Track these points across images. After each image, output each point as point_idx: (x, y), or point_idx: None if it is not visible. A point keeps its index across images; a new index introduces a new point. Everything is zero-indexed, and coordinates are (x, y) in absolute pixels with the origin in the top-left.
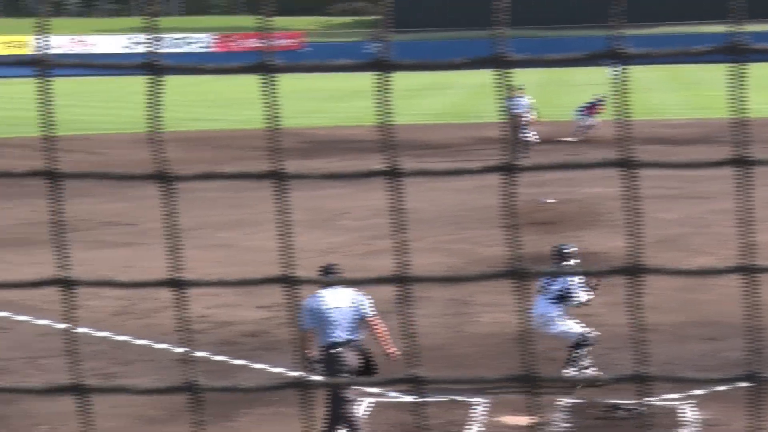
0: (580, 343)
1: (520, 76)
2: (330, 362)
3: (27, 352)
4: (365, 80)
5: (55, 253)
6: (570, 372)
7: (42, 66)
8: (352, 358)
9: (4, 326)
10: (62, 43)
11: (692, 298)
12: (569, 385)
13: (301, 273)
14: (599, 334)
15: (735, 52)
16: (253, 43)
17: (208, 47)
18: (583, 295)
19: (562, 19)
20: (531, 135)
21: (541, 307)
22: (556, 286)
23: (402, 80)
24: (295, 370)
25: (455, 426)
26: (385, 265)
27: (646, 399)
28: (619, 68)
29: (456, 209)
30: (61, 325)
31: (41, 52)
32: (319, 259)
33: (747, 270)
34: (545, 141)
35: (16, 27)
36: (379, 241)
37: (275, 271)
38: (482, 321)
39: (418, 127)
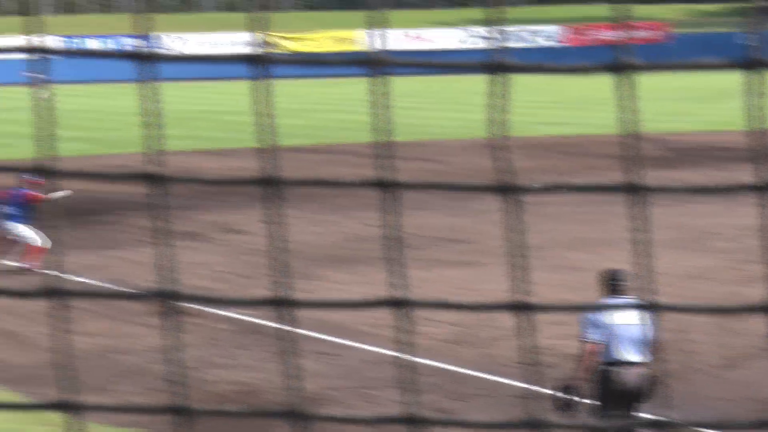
0: None
1: None
2: (606, 381)
3: (356, 381)
4: (736, 78)
5: (388, 271)
6: None
7: (375, 65)
8: (633, 382)
9: (333, 352)
10: (397, 38)
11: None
12: None
13: (663, 299)
14: None
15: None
16: (608, 35)
17: (558, 41)
18: None
19: None
20: None
21: None
22: None
23: None
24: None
25: None
26: (757, 295)
27: None
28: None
29: None
30: (395, 353)
31: (375, 50)
32: (681, 284)
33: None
34: None
35: (347, 21)
36: (753, 265)
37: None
38: None
39: None
